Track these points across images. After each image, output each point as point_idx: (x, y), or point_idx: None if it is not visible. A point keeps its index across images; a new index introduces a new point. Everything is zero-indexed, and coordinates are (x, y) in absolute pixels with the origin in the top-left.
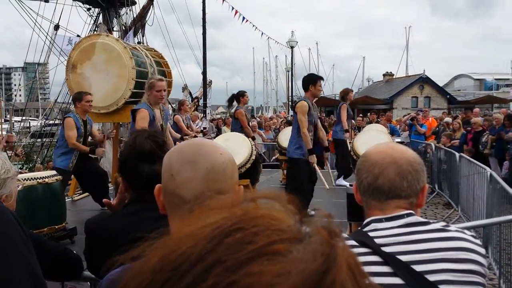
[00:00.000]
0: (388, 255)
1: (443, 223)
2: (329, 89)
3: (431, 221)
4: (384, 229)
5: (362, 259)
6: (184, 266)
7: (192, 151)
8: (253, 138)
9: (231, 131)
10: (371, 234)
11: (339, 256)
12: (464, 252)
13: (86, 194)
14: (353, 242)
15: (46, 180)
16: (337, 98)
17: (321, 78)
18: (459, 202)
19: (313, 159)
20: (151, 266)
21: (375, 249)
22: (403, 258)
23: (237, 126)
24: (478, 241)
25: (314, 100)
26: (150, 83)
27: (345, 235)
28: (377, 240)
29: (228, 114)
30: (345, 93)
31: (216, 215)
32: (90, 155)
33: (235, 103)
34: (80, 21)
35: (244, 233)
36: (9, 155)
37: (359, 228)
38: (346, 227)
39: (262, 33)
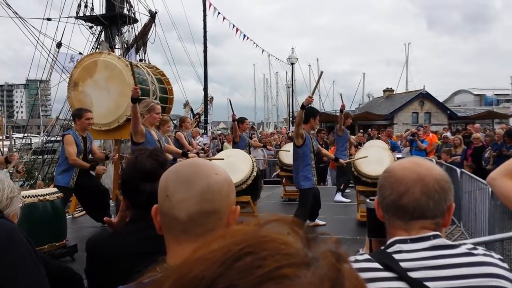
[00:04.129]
0: (415, 281)
1: (470, 246)
2: (330, 105)
3: (457, 243)
4: (410, 252)
5: (386, 284)
6: None
7: (187, 171)
8: (264, 146)
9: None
10: (395, 256)
11: (346, 281)
12: (494, 278)
13: None
14: (376, 265)
15: (47, 197)
16: (337, 113)
17: (319, 113)
18: (461, 218)
19: (341, 162)
20: None
21: (401, 274)
22: (431, 285)
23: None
24: (506, 265)
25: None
26: (150, 106)
27: (366, 255)
28: (402, 264)
29: (229, 130)
30: (344, 117)
31: (227, 239)
32: (90, 171)
33: None
34: (82, 39)
35: (253, 257)
36: (10, 172)
37: (382, 248)
38: (363, 243)
39: (263, 50)
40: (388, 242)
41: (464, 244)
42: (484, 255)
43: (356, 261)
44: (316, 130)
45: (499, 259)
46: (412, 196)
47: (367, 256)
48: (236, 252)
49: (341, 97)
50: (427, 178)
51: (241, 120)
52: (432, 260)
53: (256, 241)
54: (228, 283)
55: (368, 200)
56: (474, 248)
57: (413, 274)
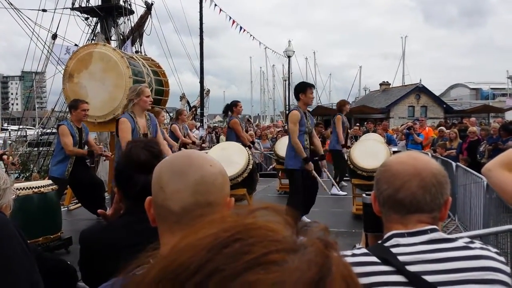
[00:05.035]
0: (414, 275)
1: (467, 239)
2: (326, 98)
3: (454, 237)
4: (407, 245)
5: (385, 278)
6: (183, 275)
7: (181, 163)
8: (249, 147)
9: (226, 141)
10: (393, 250)
11: (333, 267)
12: (491, 272)
13: None
14: (374, 259)
15: (42, 189)
16: (334, 107)
17: (311, 86)
18: (456, 211)
19: (310, 166)
20: (153, 276)
21: (399, 268)
22: (428, 278)
23: (233, 136)
24: (502, 259)
25: (312, 110)
26: (139, 89)
27: (363, 249)
28: (400, 258)
29: (225, 124)
30: (341, 104)
31: (216, 226)
32: (87, 162)
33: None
34: (78, 30)
35: (241, 244)
36: (5, 164)
37: (380, 242)
38: (360, 237)
39: (260, 43)
40: (385, 236)
41: (461, 237)
42: (481, 248)
43: (354, 255)
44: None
45: (496, 252)
46: (409, 190)
47: (364, 250)
48: (225, 238)
49: None
50: (424, 172)
51: (234, 104)
52: (429, 253)
53: (245, 228)
54: (215, 268)
55: (364, 195)
56: (471, 242)
57: (411, 268)
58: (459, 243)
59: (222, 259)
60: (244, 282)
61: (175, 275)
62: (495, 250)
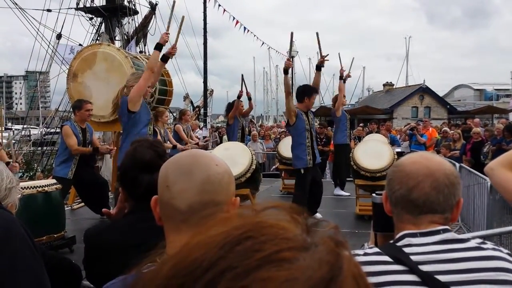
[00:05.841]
0: (427, 274)
1: (479, 240)
2: (330, 98)
3: (466, 237)
4: (420, 245)
5: (398, 277)
6: (196, 272)
7: (188, 162)
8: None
9: (227, 139)
10: (405, 250)
11: (344, 265)
12: (503, 273)
13: None
14: (387, 258)
15: (46, 188)
16: None
17: (316, 92)
18: (459, 212)
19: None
20: (165, 272)
21: (412, 268)
22: (441, 278)
23: (232, 132)
24: None
25: (315, 110)
26: (137, 75)
27: (375, 248)
28: (413, 257)
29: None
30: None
31: (227, 224)
32: (90, 162)
33: None
34: (82, 30)
35: (253, 241)
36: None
37: (392, 242)
38: (364, 238)
39: (262, 43)
40: (397, 236)
41: (473, 238)
42: (493, 249)
43: (366, 254)
44: (312, 111)
45: (508, 253)
46: (422, 191)
47: (376, 250)
48: (236, 236)
49: (339, 57)
50: (437, 172)
51: (238, 96)
52: (442, 253)
53: (256, 226)
54: (227, 265)
55: (374, 194)
56: (483, 243)
57: (424, 268)
58: (472, 243)
59: (234, 257)
60: (256, 279)
61: (187, 272)
62: (506, 251)
